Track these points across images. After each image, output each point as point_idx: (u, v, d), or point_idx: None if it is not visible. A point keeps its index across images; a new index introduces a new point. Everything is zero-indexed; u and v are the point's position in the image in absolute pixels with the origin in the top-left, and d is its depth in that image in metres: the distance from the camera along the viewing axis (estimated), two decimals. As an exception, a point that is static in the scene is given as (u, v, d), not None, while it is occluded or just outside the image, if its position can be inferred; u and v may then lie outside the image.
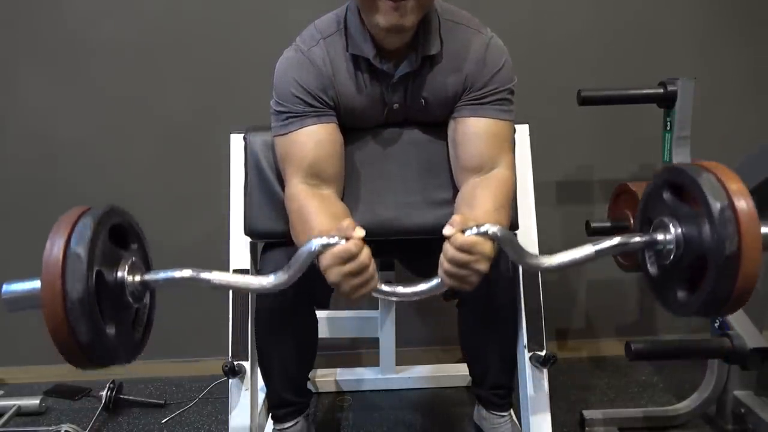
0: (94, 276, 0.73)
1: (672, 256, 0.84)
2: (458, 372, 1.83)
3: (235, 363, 1.29)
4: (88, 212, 0.78)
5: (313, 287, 1.22)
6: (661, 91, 1.52)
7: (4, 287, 0.80)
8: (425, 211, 1.24)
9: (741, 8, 1.89)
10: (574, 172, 1.96)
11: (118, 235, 0.84)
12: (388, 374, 1.84)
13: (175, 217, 1.91)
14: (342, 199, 1.20)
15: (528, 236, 1.37)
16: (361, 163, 1.24)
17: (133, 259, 0.84)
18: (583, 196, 1.97)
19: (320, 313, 1.35)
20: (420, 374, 1.86)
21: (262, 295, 1.22)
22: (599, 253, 0.88)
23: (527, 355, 1.32)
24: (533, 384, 1.32)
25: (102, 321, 0.75)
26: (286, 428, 1.35)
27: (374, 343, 1.81)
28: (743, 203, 0.76)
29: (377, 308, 1.76)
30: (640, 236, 0.88)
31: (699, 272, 0.81)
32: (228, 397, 1.33)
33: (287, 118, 1.13)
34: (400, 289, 0.94)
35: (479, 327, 1.31)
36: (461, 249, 0.89)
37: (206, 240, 1.87)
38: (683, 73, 1.52)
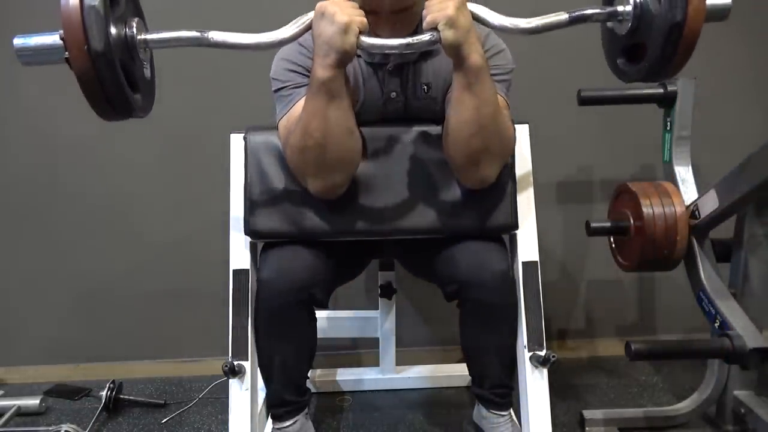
0: (113, 34, 0.81)
1: (629, 26, 0.97)
2: (458, 372, 1.83)
3: (235, 363, 1.29)
4: None
5: (312, 287, 1.23)
6: (661, 91, 1.52)
7: (18, 40, 0.85)
8: (425, 211, 1.24)
9: (741, 8, 1.88)
10: (574, 172, 1.96)
11: None
12: (388, 374, 1.84)
13: (175, 217, 1.91)
14: (341, 200, 1.20)
15: (528, 236, 1.37)
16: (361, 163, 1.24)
17: (136, 18, 0.91)
18: (583, 196, 1.97)
19: (320, 313, 1.35)
20: (420, 374, 1.86)
21: (261, 295, 1.22)
22: (572, 19, 0.99)
23: (527, 355, 1.32)
24: (533, 384, 1.32)
25: (120, 73, 0.82)
26: (286, 427, 1.35)
27: (374, 343, 1.81)
28: None
29: (377, 308, 1.77)
30: (605, 7, 1.01)
31: (652, 42, 0.93)
32: (228, 397, 1.33)
33: (289, 93, 1.15)
34: (388, 42, 0.99)
35: (479, 327, 1.31)
36: None
37: (206, 240, 1.87)
38: (683, 72, 1.51)
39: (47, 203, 1.88)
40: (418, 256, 1.34)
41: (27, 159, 1.86)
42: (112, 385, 1.74)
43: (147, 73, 0.98)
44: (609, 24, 1.03)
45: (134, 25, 0.89)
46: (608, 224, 1.56)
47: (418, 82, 1.18)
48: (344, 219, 1.21)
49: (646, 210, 1.42)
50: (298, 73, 1.15)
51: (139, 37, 0.90)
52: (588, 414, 1.59)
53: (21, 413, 1.72)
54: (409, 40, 0.98)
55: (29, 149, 1.85)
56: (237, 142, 1.37)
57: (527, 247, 1.36)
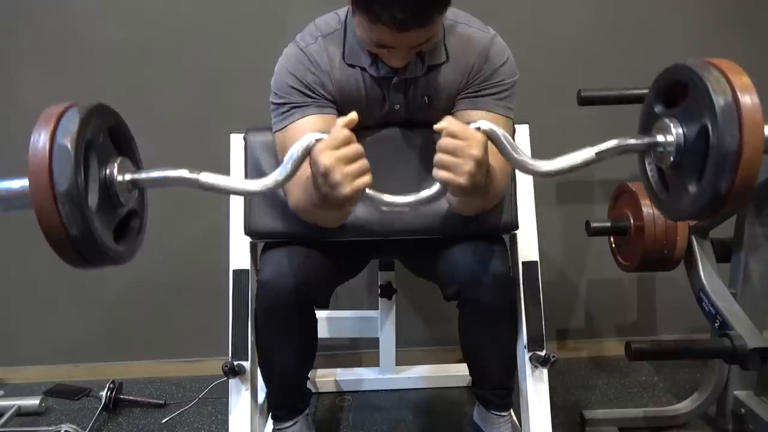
0: (82, 171, 0.72)
1: (672, 158, 0.83)
2: (458, 372, 1.83)
3: (235, 363, 1.29)
4: (74, 106, 0.76)
5: (312, 288, 1.23)
6: (661, 91, 1.52)
7: None
8: (425, 212, 1.24)
9: (741, 8, 1.89)
10: (574, 172, 1.96)
11: (109, 135, 0.84)
12: (388, 374, 1.84)
13: (176, 217, 1.91)
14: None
15: (528, 236, 1.37)
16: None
17: (121, 158, 0.84)
18: (583, 196, 1.96)
19: (320, 313, 1.35)
20: (420, 374, 1.86)
21: (261, 295, 1.22)
22: (599, 155, 0.86)
23: (527, 355, 1.32)
24: (533, 384, 1.32)
25: (94, 219, 0.74)
26: (286, 428, 1.35)
27: (374, 343, 1.81)
28: (748, 99, 0.73)
29: (377, 308, 1.76)
30: (640, 138, 0.87)
31: (700, 173, 0.79)
32: (228, 397, 1.33)
33: (287, 110, 1.13)
34: (395, 199, 0.90)
35: (479, 327, 1.30)
36: (453, 135, 0.88)
37: (206, 240, 1.87)
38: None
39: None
40: (418, 256, 1.34)
41: (27, 159, 1.85)
42: (112, 385, 1.74)
43: (134, 218, 0.90)
44: (649, 154, 0.90)
45: (116, 164, 0.82)
46: (608, 224, 1.56)
47: (420, 94, 1.18)
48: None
49: (646, 210, 1.42)
50: (298, 91, 1.13)
51: (120, 178, 0.82)
52: (588, 414, 1.59)
53: (21, 413, 1.72)
54: (414, 198, 0.90)
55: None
56: (237, 142, 1.37)
57: (527, 247, 1.36)
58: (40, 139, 0.73)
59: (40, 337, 1.97)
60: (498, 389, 1.37)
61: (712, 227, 1.43)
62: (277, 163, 1.24)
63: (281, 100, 1.14)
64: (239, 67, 1.81)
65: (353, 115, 0.89)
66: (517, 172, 1.32)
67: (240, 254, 1.36)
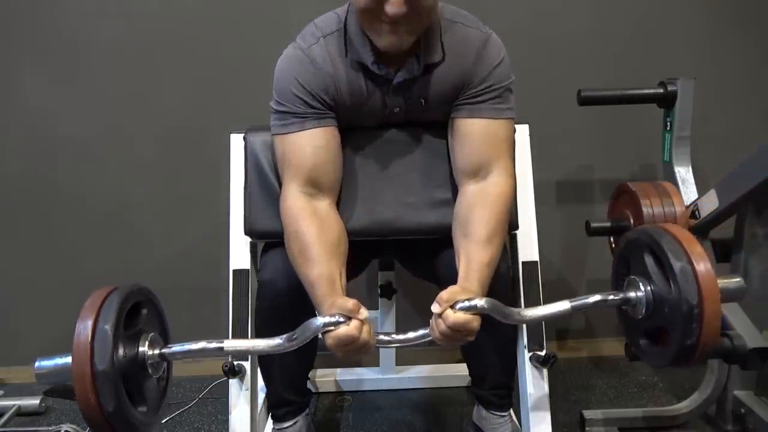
0: (120, 355, 0.84)
1: (644, 311, 0.95)
2: (458, 372, 1.83)
3: (235, 363, 1.29)
4: (115, 293, 0.88)
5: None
6: (661, 91, 1.52)
7: (37, 363, 0.92)
8: (425, 211, 1.24)
9: (741, 8, 1.89)
10: (574, 172, 1.96)
11: (137, 309, 0.94)
12: (388, 374, 1.84)
13: (175, 217, 1.91)
14: (341, 199, 1.20)
15: (528, 236, 1.37)
16: (361, 163, 1.24)
17: (152, 333, 0.95)
18: (583, 196, 1.96)
19: (320, 313, 1.35)
20: (420, 374, 1.86)
21: (261, 295, 1.22)
22: (575, 308, 0.98)
23: (527, 355, 1.32)
24: (533, 384, 1.32)
25: (126, 397, 0.85)
26: (286, 428, 1.35)
27: (374, 343, 1.81)
28: (702, 265, 0.87)
29: (377, 308, 1.76)
30: (614, 295, 0.99)
31: (670, 329, 0.92)
32: (228, 397, 1.33)
33: (288, 118, 1.13)
34: (396, 336, 1.02)
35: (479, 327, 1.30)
36: (453, 329, 0.95)
37: (206, 240, 1.87)
38: (683, 73, 1.52)
39: (47, 203, 1.88)
40: (418, 256, 1.33)
41: (27, 159, 1.85)
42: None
43: (160, 384, 1.02)
44: (624, 308, 1.01)
45: (147, 341, 0.93)
46: (608, 224, 1.56)
47: (418, 96, 1.18)
48: (344, 219, 1.20)
49: (646, 210, 1.42)
50: (301, 100, 1.12)
51: (150, 352, 0.93)
52: (588, 414, 1.59)
53: (21, 413, 1.72)
54: (410, 336, 1.00)
55: (30, 150, 1.85)
56: (237, 142, 1.37)
57: (527, 247, 1.36)
58: (83, 331, 0.83)
59: (40, 337, 1.97)
60: (498, 389, 1.37)
61: (712, 227, 1.43)
62: (277, 163, 1.25)
63: (282, 108, 1.13)
64: (239, 67, 1.81)
65: (364, 314, 0.98)
66: (517, 172, 1.32)
67: (240, 254, 1.36)
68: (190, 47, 1.82)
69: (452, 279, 1.24)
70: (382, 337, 1.01)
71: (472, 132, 1.15)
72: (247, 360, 1.31)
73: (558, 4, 1.85)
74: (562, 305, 0.98)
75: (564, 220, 1.96)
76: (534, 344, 1.32)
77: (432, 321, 0.97)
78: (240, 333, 1.32)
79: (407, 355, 1.91)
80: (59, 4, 1.77)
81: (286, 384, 1.33)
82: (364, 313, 0.97)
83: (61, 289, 1.94)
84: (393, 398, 1.80)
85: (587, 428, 1.58)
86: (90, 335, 0.82)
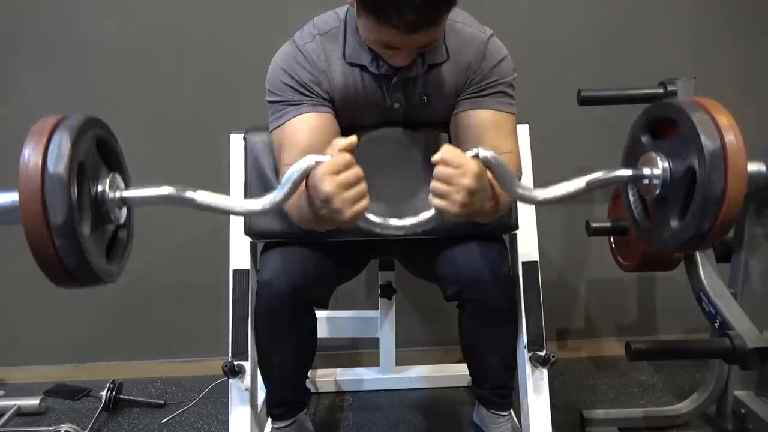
0: (75, 195, 0.70)
1: (657, 191, 0.86)
2: (458, 372, 1.83)
3: (235, 363, 1.29)
4: (65, 121, 0.73)
5: (312, 288, 1.23)
6: (661, 91, 1.52)
7: None
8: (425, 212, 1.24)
9: (741, 8, 1.89)
10: (574, 172, 1.95)
11: (98, 147, 0.79)
12: (388, 374, 1.84)
13: (175, 217, 1.91)
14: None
15: (528, 236, 1.37)
16: (361, 162, 1.23)
17: (112, 174, 0.81)
18: (583, 196, 1.96)
19: (320, 313, 1.35)
20: (420, 374, 1.86)
21: (261, 295, 1.22)
22: (590, 185, 0.90)
23: (527, 355, 1.32)
24: (533, 384, 1.32)
25: (85, 242, 0.72)
26: (285, 426, 1.35)
27: (374, 343, 1.81)
28: (732, 138, 0.79)
29: (377, 308, 1.76)
30: (628, 170, 0.90)
31: (683, 207, 0.83)
32: (228, 397, 1.33)
33: (282, 108, 1.13)
34: (392, 222, 0.92)
35: (479, 327, 1.31)
36: (447, 163, 0.88)
37: (206, 240, 1.87)
38: (683, 73, 1.52)
39: (47, 203, 1.88)
40: (418, 256, 1.34)
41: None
42: (112, 385, 1.74)
43: (121, 233, 0.88)
44: (632, 186, 0.95)
45: (107, 182, 0.79)
46: (608, 224, 1.56)
47: (419, 93, 1.18)
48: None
49: (646, 210, 1.42)
50: (292, 88, 1.12)
51: (111, 195, 0.80)
52: (588, 414, 1.59)
53: (21, 413, 1.72)
54: (409, 222, 0.92)
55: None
56: (237, 142, 1.37)
57: (527, 247, 1.36)
58: (30, 163, 0.70)
59: (40, 337, 1.97)
60: (498, 389, 1.37)
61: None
62: (276, 163, 1.25)
63: (275, 98, 1.14)
64: (239, 67, 1.81)
65: (353, 139, 0.89)
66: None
67: (240, 254, 1.36)
68: (190, 47, 1.82)
69: (453, 279, 1.25)
70: (372, 217, 0.91)
71: (478, 123, 1.15)
72: (247, 360, 1.31)
73: (558, 5, 1.85)
74: (578, 183, 0.90)
75: (564, 220, 1.96)
76: (534, 344, 1.32)
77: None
78: (240, 333, 1.32)
79: (407, 356, 1.91)
80: (59, 4, 1.77)
81: (286, 383, 1.33)
82: (353, 137, 0.90)
83: (61, 289, 1.93)
84: (393, 398, 1.80)
85: (587, 428, 1.58)
86: (39, 176, 0.69)
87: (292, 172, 0.86)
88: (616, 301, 2.06)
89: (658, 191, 0.86)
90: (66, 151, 0.69)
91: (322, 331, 1.66)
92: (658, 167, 0.86)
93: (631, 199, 0.96)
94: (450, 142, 1.23)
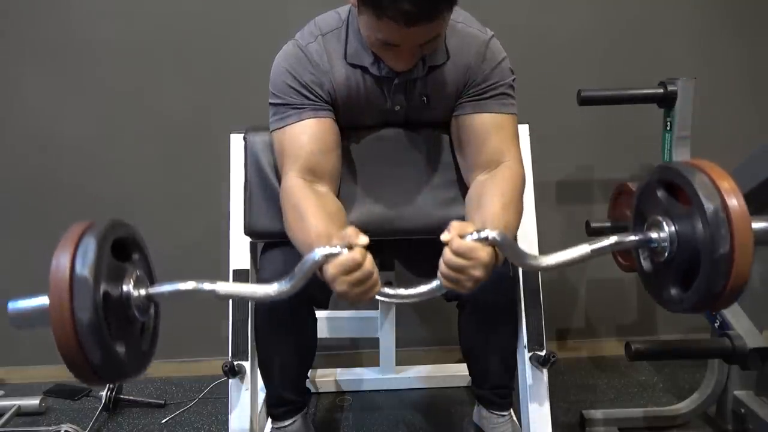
0: (101, 296, 0.73)
1: (666, 254, 0.86)
2: (458, 372, 1.83)
3: (235, 363, 1.29)
4: (91, 229, 0.78)
5: (312, 288, 1.23)
6: (661, 91, 1.52)
7: (11, 304, 0.79)
8: (426, 211, 1.24)
9: (741, 8, 1.89)
10: (574, 172, 1.96)
11: (121, 248, 0.83)
12: (388, 374, 1.84)
13: (175, 217, 1.91)
14: (341, 198, 1.20)
15: (528, 236, 1.37)
16: (361, 162, 1.24)
17: (137, 272, 0.84)
18: (583, 196, 1.96)
19: (320, 313, 1.35)
20: (420, 374, 1.86)
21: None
22: (595, 252, 0.89)
23: (527, 355, 1.32)
24: (533, 384, 1.32)
25: (111, 340, 0.75)
26: (285, 426, 1.35)
27: (374, 343, 1.81)
28: (735, 202, 0.78)
29: (377, 308, 1.76)
30: (634, 235, 0.90)
31: (692, 269, 0.82)
32: (228, 397, 1.33)
33: (284, 111, 1.13)
34: (402, 291, 0.93)
35: (479, 327, 1.30)
36: (458, 254, 0.88)
37: (206, 240, 1.87)
38: (683, 73, 1.52)
39: (48, 203, 1.88)
40: (418, 256, 1.33)
41: (28, 159, 1.85)
42: (111, 386, 1.74)
43: (148, 324, 0.91)
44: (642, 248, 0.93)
45: (132, 281, 0.82)
46: (608, 224, 1.56)
47: (419, 94, 1.18)
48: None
49: (646, 210, 1.42)
50: (294, 89, 1.12)
51: (136, 293, 0.82)
52: (588, 414, 1.59)
53: (21, 413, 1.72)
54: (417, 291, 0.92)
55: (31, 150, 1.85)
56: (237, 142, 1.37)
57: (527, 247, 1.36)
58: (60, 269, 0.73)
59: (40, 337, 1.95)
60: (498, 389, 1.37)
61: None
62: (276, 162, 1.25)
63: (278, 100, 1.14)
64: (239, 67, 1.81)
65: (365, 240, 0.90)
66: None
67: (240, 254, 1.36)
68: (190, 47, 1.82)
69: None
70: (386, 290, 0.93)
71: (480, 126, 1.15)
72: (247, 360, 1.31)
73: (558, 5, 1.85)
74: (582, 249, 0.89)
75: (564, 220, 1.96)
76: (534, 344, 1.32)
77: (442, 253, 0.90)
78: (240, 333, 1.32)
79: (407, 356, 1.91)
80: (59, 4, 1.77)
81: (286, 383, 1.32)
82: (365, 239, 0.90)
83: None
84: (393, 398, 1.80)
85: (587, 428, 1.58)
86: (68, 277, 0.72)
87: (303, 264, 0.88)
88: (616, 301, 2.06)
89: (667, 254, 0.86)
90: (92, 255, 0.74)
91: (322, 331, 1.66)
92: (664, 231, 0.86)
93: (642, 261, 0.95)
94: (451, 142, 1.23)
